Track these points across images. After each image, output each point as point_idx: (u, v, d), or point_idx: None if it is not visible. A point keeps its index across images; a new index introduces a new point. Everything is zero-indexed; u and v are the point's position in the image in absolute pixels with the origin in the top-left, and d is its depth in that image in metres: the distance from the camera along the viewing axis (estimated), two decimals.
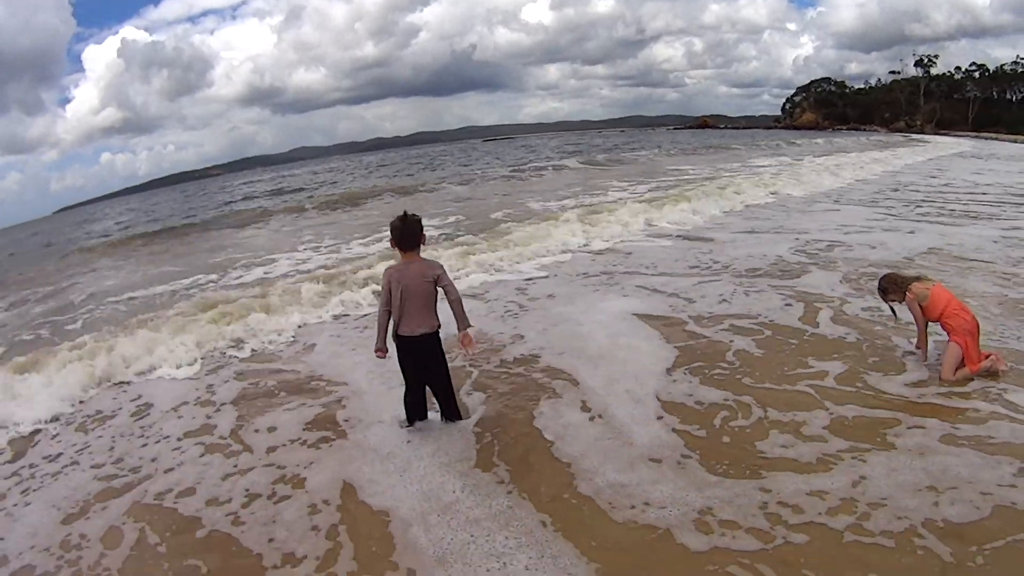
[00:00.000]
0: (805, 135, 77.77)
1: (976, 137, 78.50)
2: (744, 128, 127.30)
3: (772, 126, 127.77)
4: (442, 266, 5.84)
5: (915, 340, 7.09)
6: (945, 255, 11.56)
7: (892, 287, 6.83)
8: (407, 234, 5.69)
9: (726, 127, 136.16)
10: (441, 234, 16.84)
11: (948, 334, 6.50)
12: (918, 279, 6.78)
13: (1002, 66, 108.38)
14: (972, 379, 6.32)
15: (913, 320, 6.85)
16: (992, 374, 6.33)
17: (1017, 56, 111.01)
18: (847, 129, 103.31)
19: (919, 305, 6.60)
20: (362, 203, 28.44)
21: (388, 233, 5.85)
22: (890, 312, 7.20)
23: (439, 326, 5.80)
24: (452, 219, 20.36)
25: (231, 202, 40.09)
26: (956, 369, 6.40)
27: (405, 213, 5.79)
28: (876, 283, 7.17)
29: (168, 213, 39.78)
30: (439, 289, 5.75)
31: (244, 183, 65.03)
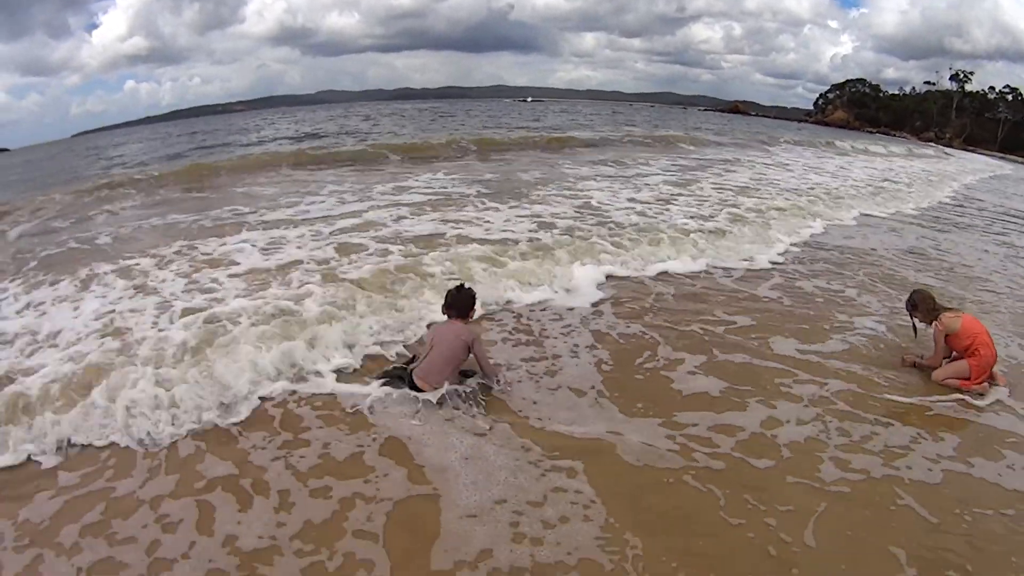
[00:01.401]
0: (838, 133, 76.57)
1: (1003, 158, 78.21)
2: (775, 118, 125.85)
3: (803, 119, 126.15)
4: (478, 335, 6.21)
5: (920, 355, 7.23)
6: None
7: (922, 306, 7.00)
8: (459, 304, 6.19)
9: (756, 115, 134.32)
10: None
11: (967, 356, 6.71)
12: (949, 309, 6.97)
13: None
14: (958, 390, 6.61)
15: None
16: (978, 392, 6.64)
17: None
18: (877, 132, 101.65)
19: (945, 336, 6.78)
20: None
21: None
22: (911, 326, 7.29)
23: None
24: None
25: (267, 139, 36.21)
26: (949, 379, 6.71)
27: (462, 285, 6.35)
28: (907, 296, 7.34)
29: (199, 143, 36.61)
30: (471, 355, 6.06)
31: (269, 121, 59.89)
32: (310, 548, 4.16)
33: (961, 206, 21.89)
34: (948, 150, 74.83)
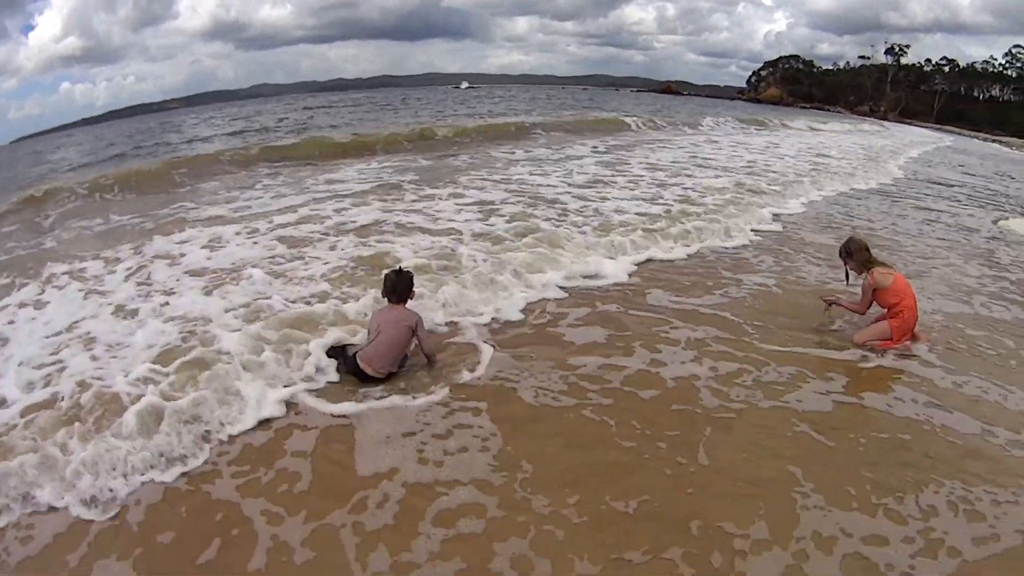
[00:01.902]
0: (772, 110, 77.58)
1: (939, 129, 79.67)
2: (708, 96, 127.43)
3: (736, 97, 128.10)
4: (420, 317, 6.38)
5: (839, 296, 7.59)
6: None
7: (857, 256, 7.16)
8: (400, 288, 6.29)
9: (689, 94, 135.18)
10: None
11: (889, 317, 7.00)
12: (883, 264, 7.16)
13: (972, 64, 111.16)
14: (875, 351, 6.98)
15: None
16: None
17: (991, 56, 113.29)
18: (811, 108, 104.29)
19: (873, 290, 6.97)
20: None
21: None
22: (844, 274, 7.54)
23: (395, 372, 6.28)
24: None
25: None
26: (871, 341, 7.05)
27: (400, 269, 6.48)
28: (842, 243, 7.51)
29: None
30: (414, 339, 6.34)
31: (205, 118, 56.49)
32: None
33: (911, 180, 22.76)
34: (885, 123, 76.23)
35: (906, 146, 39.42)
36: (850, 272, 7.35)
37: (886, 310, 7.06)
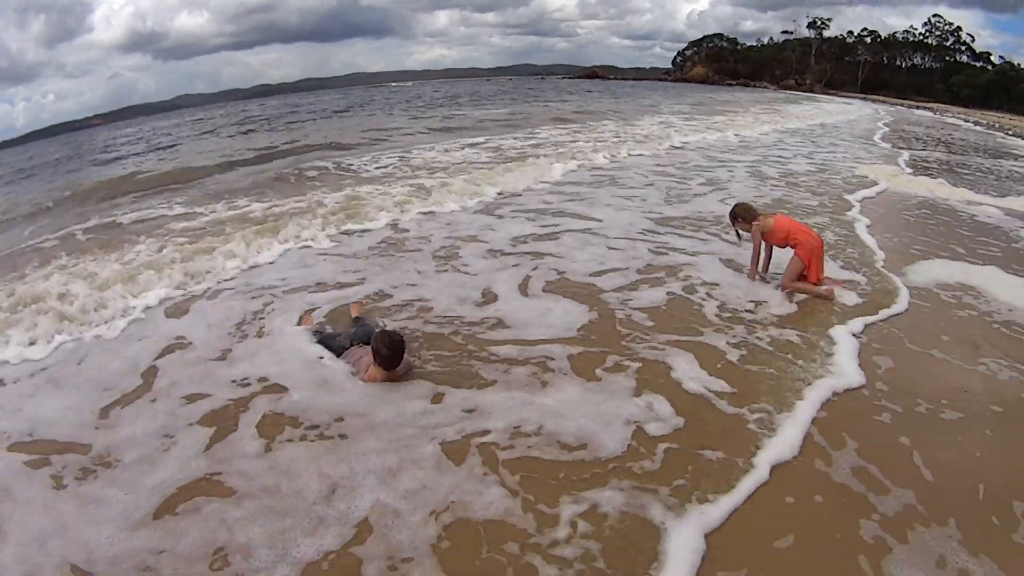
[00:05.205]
0: (697, 88, 78.65)
1: (864, 99, 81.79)
2: (634, 79, 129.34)
3: (662, 78, 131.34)
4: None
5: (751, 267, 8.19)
6: None
7: (743, 216, 7.95)
8: (396, 355, 5.48)
9: (615, 78, 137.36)
10: None
11: (794, 250, 7.62)
12: (762, 214, 7.96)
13: (893, 34, 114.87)
14: (806, 294, 7.59)
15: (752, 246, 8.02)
16: (826, 298, 7.48)
17: (911, 26, 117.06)
18: (737, 85, 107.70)
19: (761, 233, 7.79)
20: None
21: None
22: (735, 235, 8.42)
23: None
24: None
25: None
26: (794, 280, 7.62)
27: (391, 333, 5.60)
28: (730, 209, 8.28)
29: None
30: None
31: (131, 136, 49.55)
32: None
33: None
34: (818, 96, 77.89)
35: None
36: (740, 232, 8.15)
37: (790, 246, 7.69)
